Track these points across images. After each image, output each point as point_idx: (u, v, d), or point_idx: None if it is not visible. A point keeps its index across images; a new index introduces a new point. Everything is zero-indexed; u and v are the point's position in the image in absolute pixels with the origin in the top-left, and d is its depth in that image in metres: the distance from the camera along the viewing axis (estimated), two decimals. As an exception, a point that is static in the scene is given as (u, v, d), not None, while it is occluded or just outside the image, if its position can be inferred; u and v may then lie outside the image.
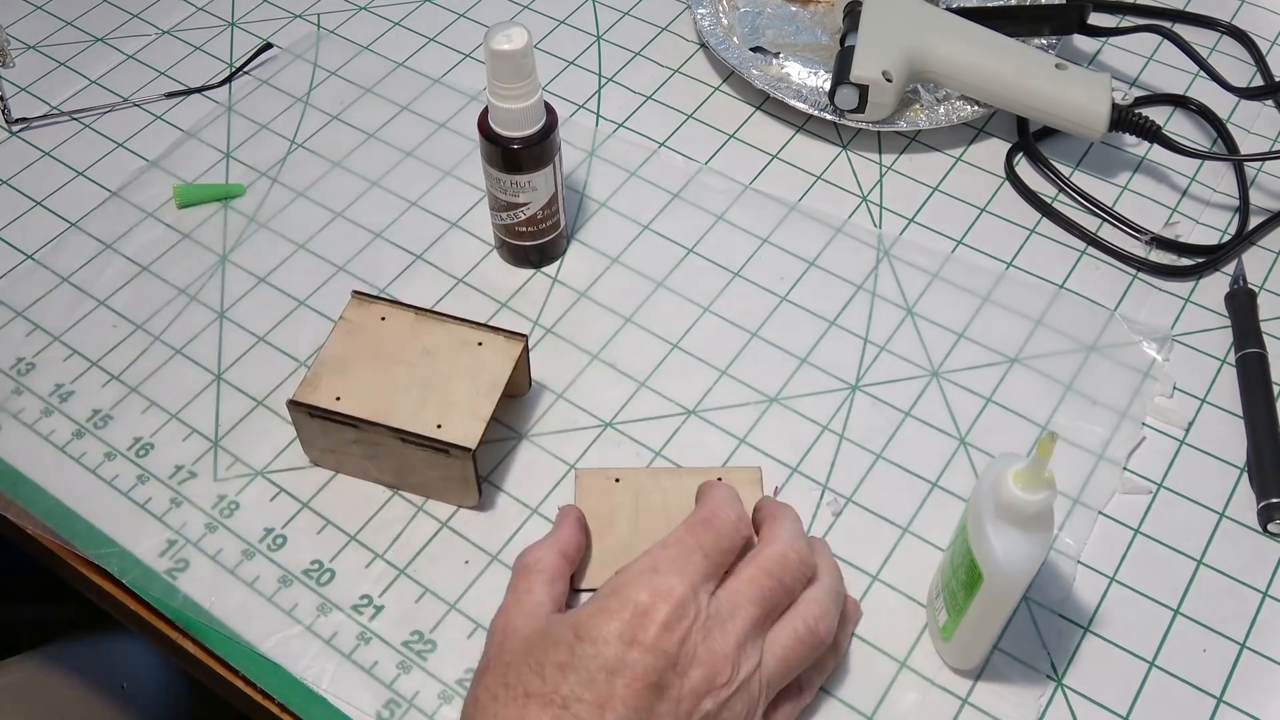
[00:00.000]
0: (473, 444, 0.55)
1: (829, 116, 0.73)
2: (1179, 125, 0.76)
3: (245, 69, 0.79)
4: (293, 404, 0.57)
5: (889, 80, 0.71)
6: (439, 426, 0.55)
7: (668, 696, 0.45)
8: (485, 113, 0.62)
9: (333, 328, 0.60)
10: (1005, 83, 0.71)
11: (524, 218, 0.65)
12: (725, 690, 0.46)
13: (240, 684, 0.54)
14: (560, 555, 0.53)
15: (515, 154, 0.62)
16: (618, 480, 0.58)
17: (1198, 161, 0.74)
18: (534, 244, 0.67)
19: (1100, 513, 0.59)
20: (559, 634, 0.46)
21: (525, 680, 0.45)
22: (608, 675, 0.45)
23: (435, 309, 0.61)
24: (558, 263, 0.69)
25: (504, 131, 0.61)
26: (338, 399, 0.57)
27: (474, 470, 0.56)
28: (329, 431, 0.57)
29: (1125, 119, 0.70)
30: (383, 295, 0.60)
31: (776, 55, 0.78)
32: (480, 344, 0.59)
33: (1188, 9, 0.82)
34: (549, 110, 0.62)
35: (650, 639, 0.45)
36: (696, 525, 0.49)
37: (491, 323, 0.62)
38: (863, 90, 0.71)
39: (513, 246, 0.67)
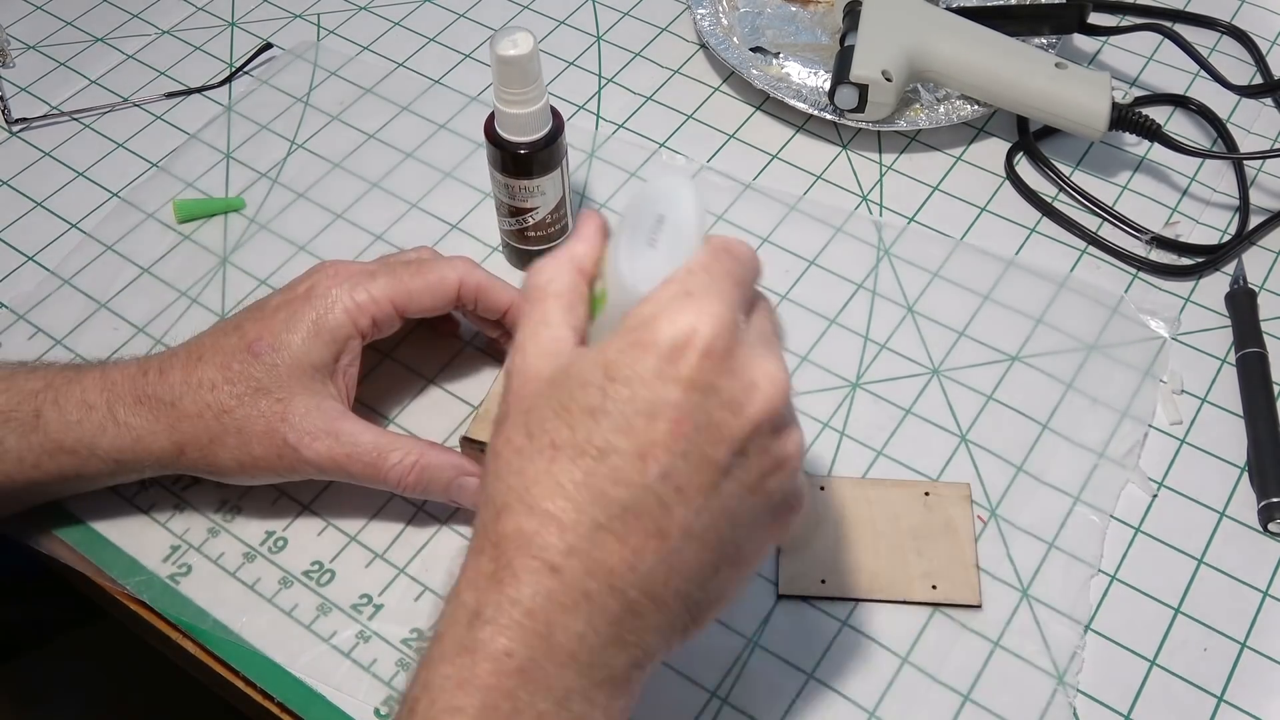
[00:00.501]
0: None
1: (829, 116, 0.73)
2: (1179, 125, 0.76)
3: (245, 69, 0.79)
4: (466, 441, 0.55)
5: (889, 80, 0.71)
6: None
7: (719, 438, 0.40)
8: (491, 118, 0.62)
9: (499, 375, 0.57)
10: (1005, 82, 0.71)
11: (532, 222, 0.65)
12: (782, 422, 0.41)
13: (240, 683, 0.54)
14: (577, 272, 0.44)
15: (523, 159, 0.62)
16: (823, 488, 0.57)
17: (1198, 161, 0.74)
18: (542, 248, 0.67)
19: (1114, 517, 0.59)
20: (586, 374, 0.40)
21: (551, 428, 0.40)
22: (647, 419, 0.39)
23: None
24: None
25: (511, 136, 0.61)
26: None
27: None
28: None
29: (1125, 118, 0.70)
30: None
31: (776, 55, 0.78)
32: None
33: (1188, 9, 0.82)
34: (555, 114, 0.62)
35: (693, 372, 0.39)
36: (719, 252, 0.42)
37: None
38: (862, 90, 0.71)
39: (520, 251, 0.67)
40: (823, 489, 0.58)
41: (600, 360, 0.40)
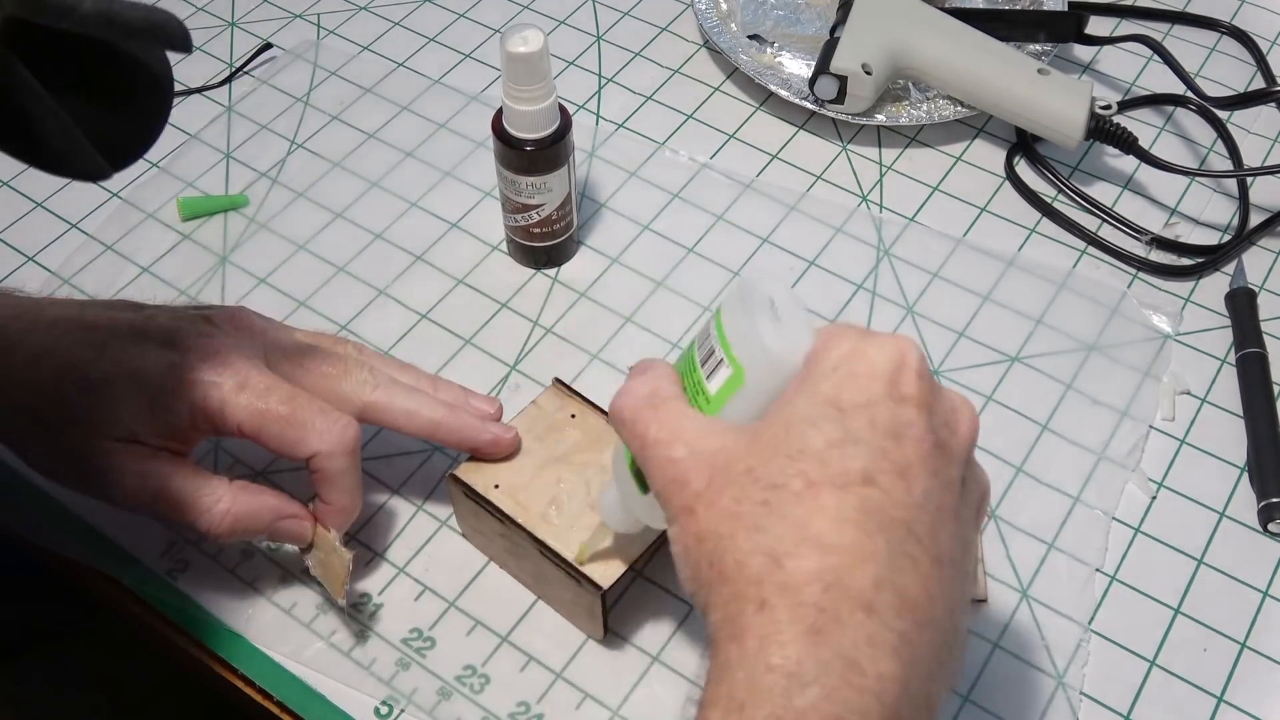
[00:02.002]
0: (606, 584, 0.50)
1: (810, 105, 0.74)
2: (1180, 125, 0.76)
3: (245, 69, 0.79)
4: (452, 479, 0.54)
5: (868, 73, 0.71)
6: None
7: (950, 456, 0.39)
8: (499, 115, 0.62)
9: (521, 410, 0.56)
10: (985, 84, 0.71)
11: (538, 219, 0.65)
12: (975, 449, 0.41)
13: (239, 683, 0.54)
14: (666, 379, 0.44)
15: (531, 156, 0.62)
16: (574, 415, 0.56)
17: (1196, 161, 0.74)
18: (547, 245, 0.67)
19: (1114, 517, 0.59)
20: (809, 415, 0.39)
21: (793, 472, 0.38)
22: (895, 441, 0.38)
23: None
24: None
25: (519, 133, 0.61)
26: (496, 487, 0.53)
27: (601, 609, 0.52)
28: (479, 515, 0.54)
29: (1103, 128, 0.70)
30: (579, 393, 0.56)
31: (772, 45, 0.78)
32: None
33: (1188, 9, 0.82)
34: (562, 111, 0.62)
35: (916, 392, 0.39)
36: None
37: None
38: (842, 81, 0.71)
39: (525, 248, 0.67)
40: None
41: (820, 398, 0.39)
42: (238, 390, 0.49)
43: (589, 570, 0.51)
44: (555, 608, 0.55)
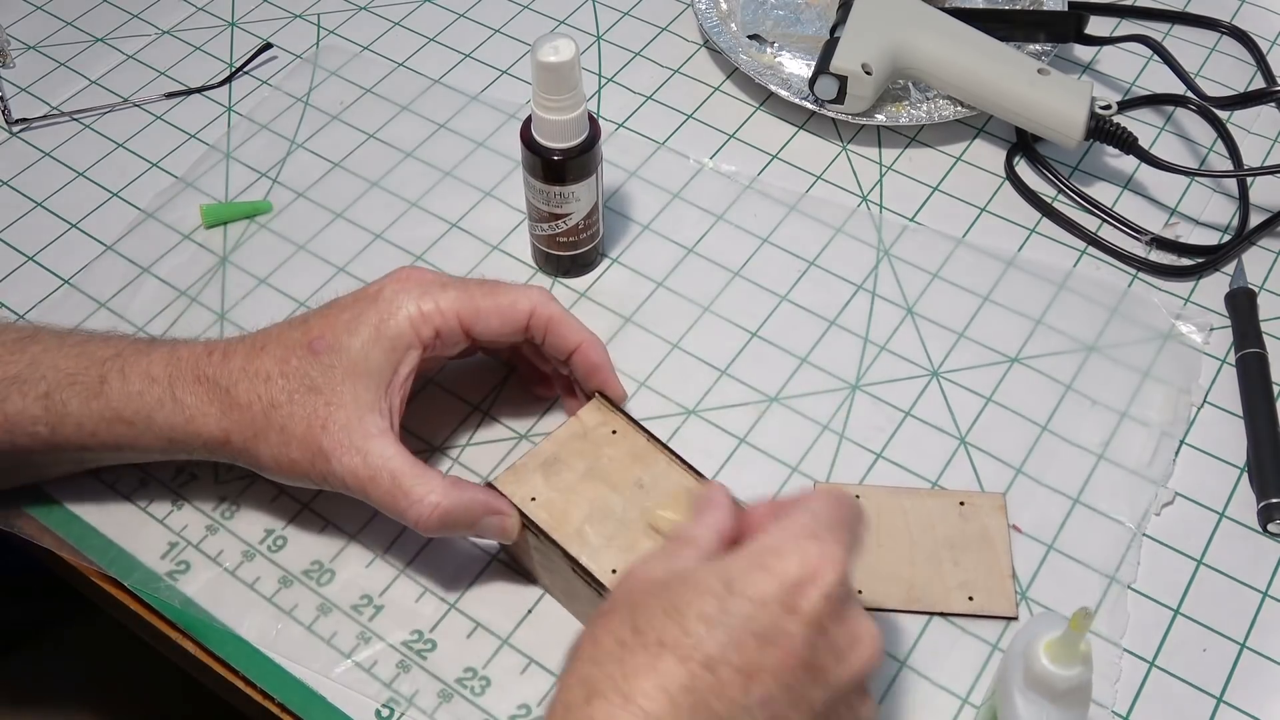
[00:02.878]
0: None
1: (810, 105, 0.74)
2: (1180, 125, 0.76)
3: (245, 69, 0.79)
4: (489, 487, 0.54)
5: (868, 73, 0.71)
6: (613, 571, 0.51)
7: (819, 679, 0.41)
8: (528, 123, 0.62)
9: (563, 422, 0.57)
10: (985, 84, 0.71)
11: (565, 228, 0.65)
12: (870, 697, 0.43)
13: (240, 684, 0.54)
14: (719, 536, 0.46)
15: (559, 165, 0.62)
16: (858, 497, 0.56)
17: (1196, 162, 0.74)
18: (573, 254, 0.67)
19: (1114, 518, 0.59)
20: (705, 583, 0.41)
21: (659, 626, 0.40)
22: (760, 642, 0.40)
23: (669, 442, 0.57)
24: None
25: (548, 142, 0.61)
26: (533, 499, 0.53)
27: None
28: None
29: (1102, 128, 0.70)
30: (621, 409, 0.56)
31: (772, 45, 0.78)
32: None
33: (1188, 9, 0.82)
34: (592, 120, 0.62)
35: (813, 610, 0.40)
36: (841, 502, 0.45)
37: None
38: (842, 81, 0.71)
39: (550, 256, 0.67)
40: (858, 497, 0.57)
41: (723, 576, 0.41)
42: (441, 287, 0.54)
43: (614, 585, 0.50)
44: (584, 623, 0.55)
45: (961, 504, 0.58)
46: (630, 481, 0.54)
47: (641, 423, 0.56)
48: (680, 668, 0.39)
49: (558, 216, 0.64)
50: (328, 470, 0.52)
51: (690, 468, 0.54)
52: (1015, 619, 0.55)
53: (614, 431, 0.56)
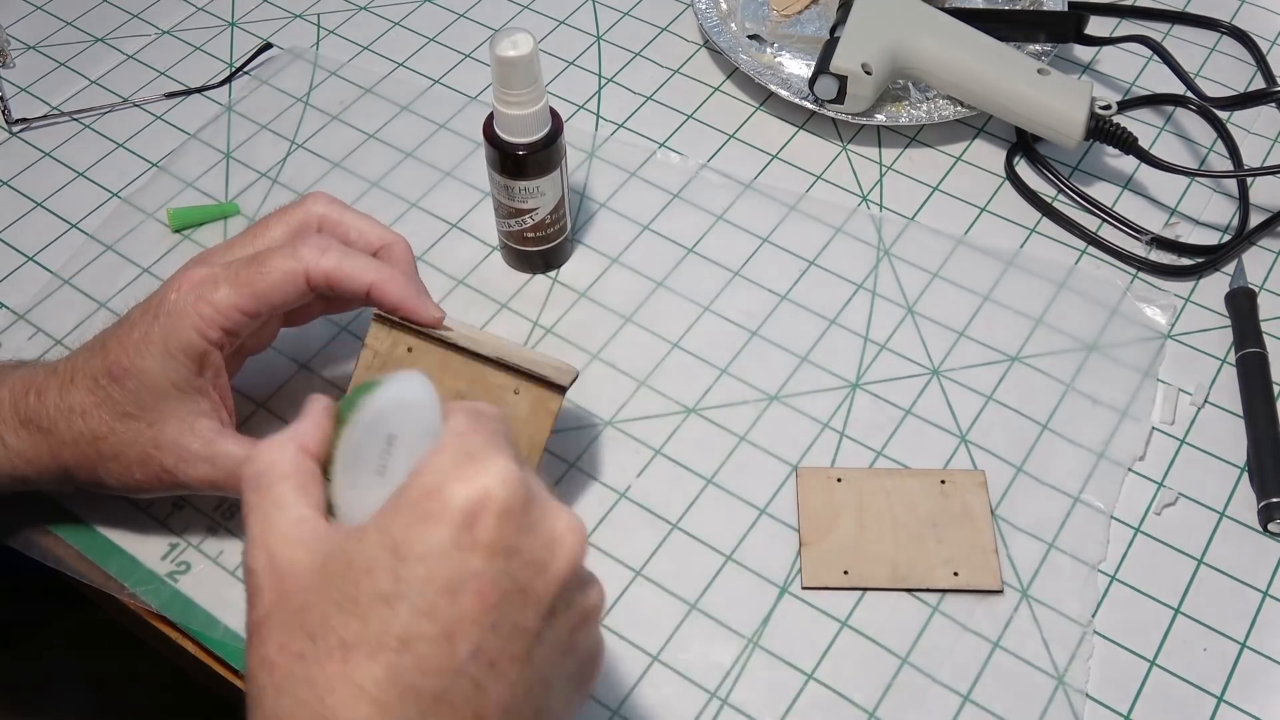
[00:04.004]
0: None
1: (810, 105, 0.74)
2: (1179, 125, 0.76)
3: (245, 69, 0.79)
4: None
5: (868, 73, 0.71)
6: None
7: (526, 601, 0.37)
8: (490, 119, 0.62)
9: (356, 358, 0.54)
10: (985, 84, 0.71)
11: (531, 224, 0.65)
12: (584, 573, 0.39)
13: (238, 682, 0.54)
14: (300, 451, 0.41)
15: (521, 160, 0.62)
16: (840, 480, 0.58)
17: (1196, 162, 0.74)
18: (541, 249, 0.67)
19: (1114, 517, 0.59)
20: (370, 556, 0.37)
21: (337, 625, 0.36)
22: (450, 596, 0.36)
23: (465, 338, 0.54)
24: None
25: (510, 138, 0.61)
26: None
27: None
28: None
29: (1102, 128, 0.70)
30: (402, 321, 0.53)
31: (772, 44, 0.79)
32: (516, 392, 0.53)
33: (1187, 10, 0.82)
34: (554, 115, 0.62)
35: (492, 538, 0.36)
36: (477, 415, 0.40)
37: (527, 362, 0.54)
38: (842, 81, 0.71)
39: (518, 252, 0.67)
40: (840, 480, 0.58)
41: (386, 541, 0.36)
42: (215, 284, 0.51)
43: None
44: None
45: (943, 482, 0.59)
46: (450, 395, 0.51)
47: (431, 334, 0.53)
48: (373, 663, 0.35)
49: (523, 212, 0.64)
50: (178, 483, 0.52)
51: (500, 364, 0.52)
52: (1000, 591, 0.56)
53: (409, 350, 0.53)
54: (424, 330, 0.53)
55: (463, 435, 0.38)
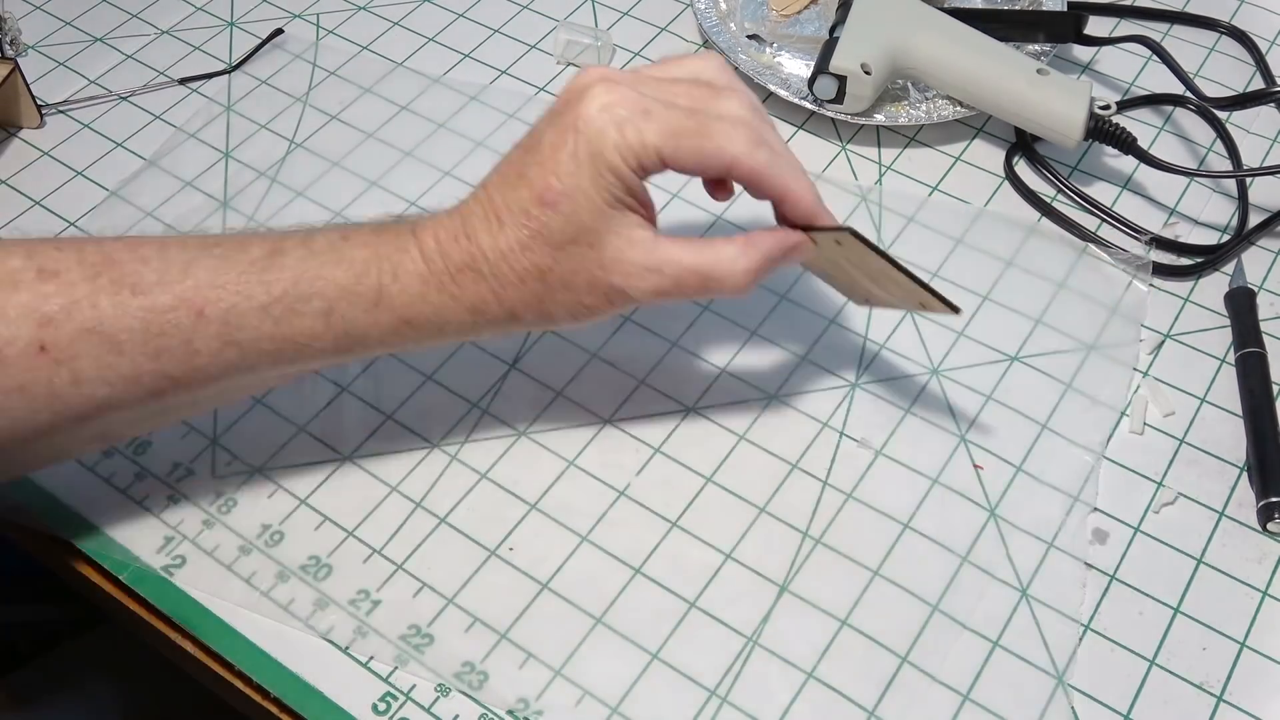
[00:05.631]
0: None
1: (809, 105, 0.74)
2: (1179, 125, 0.76)
3: (257, 53, 0.79)
4: (784, 230, 0.55)
5: (867, 73, 0.71)
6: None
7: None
8: None
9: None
10: (984, 84, 0.71)
11: None
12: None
13: (237, 681, 0.54)
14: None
15: None
16: (839, 243, 0.54)
17: (1195, 162, 0.74)
18: None
19: (1114, 517, 0.59)
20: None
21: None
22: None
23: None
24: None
25: None
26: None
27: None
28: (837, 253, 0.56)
29: (1101, 129, 0.70)
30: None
31: (771, 44, 0.79)
32: (923, 305, 0.57)
33: (1186, 9, 0.82)
34: None
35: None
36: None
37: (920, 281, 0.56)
38: (841, 81, 0.71)
39: None
40: (839, 243, 0.55)
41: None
42: (643, 119, 0.50)
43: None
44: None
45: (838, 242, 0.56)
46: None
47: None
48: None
49: None
50: (629, 300, 0.52)
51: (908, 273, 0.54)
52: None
53: (838, 243, 0.54)
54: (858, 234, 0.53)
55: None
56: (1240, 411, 0.62)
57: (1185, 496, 0.60)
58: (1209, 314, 0.67)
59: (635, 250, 0.51)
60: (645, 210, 0.52)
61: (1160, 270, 0.68)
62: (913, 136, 0.75)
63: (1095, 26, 0.78)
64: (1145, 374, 0.64)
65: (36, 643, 0.83)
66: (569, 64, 0.79)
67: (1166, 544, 0.58)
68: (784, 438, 0.61)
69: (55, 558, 0.58)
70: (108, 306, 0.49)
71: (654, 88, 0.51)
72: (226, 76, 0.79)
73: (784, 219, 0.54)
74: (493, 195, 0.52)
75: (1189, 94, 0.74)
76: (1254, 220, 0.70)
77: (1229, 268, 0.69)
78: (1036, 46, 0.77)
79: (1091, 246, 0.69)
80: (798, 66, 0.77)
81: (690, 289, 0.51)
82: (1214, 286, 0.68)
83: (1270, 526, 0.58)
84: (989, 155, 0.74)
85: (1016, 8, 0.80)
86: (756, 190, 0.53)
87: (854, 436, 0.61)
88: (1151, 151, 0.70)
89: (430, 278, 0.51)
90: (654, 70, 0.53)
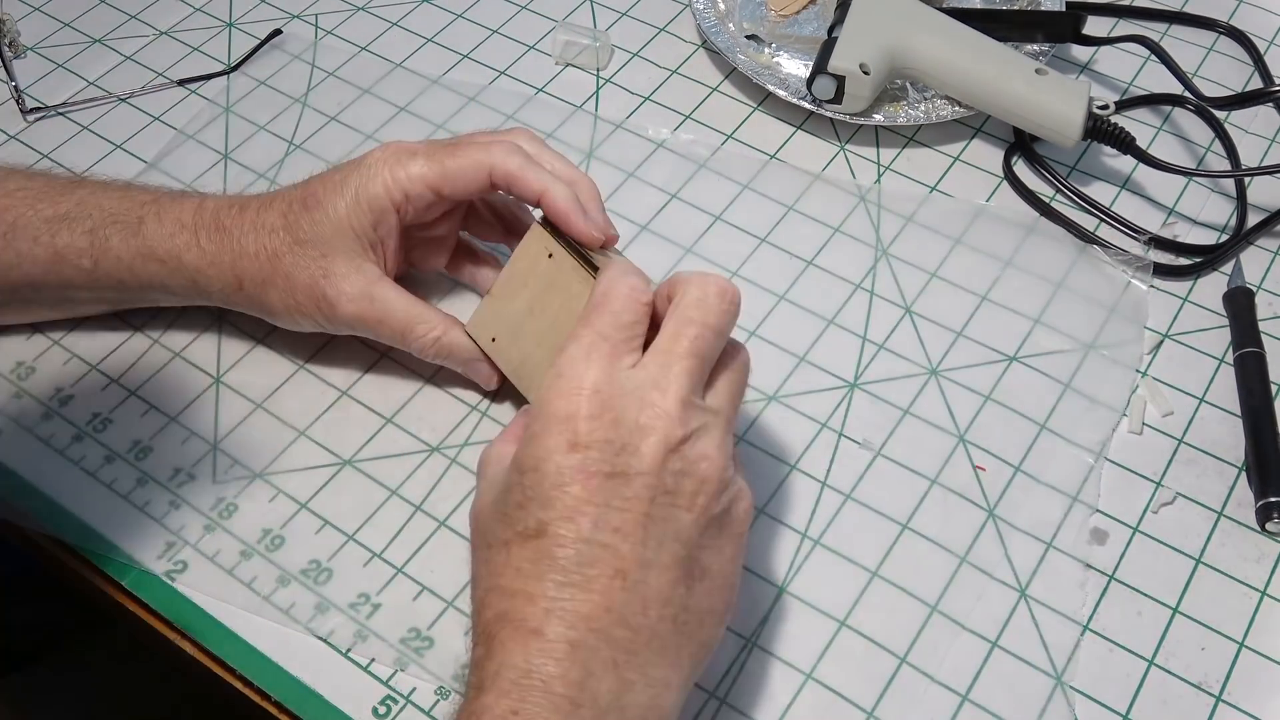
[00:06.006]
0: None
1: (808, 105, 0.74)
2: (1177, 125, 0.76)
3: (257, 53, 0.79)
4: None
5: (866, 73, 0.71)
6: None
7: (630, 478, 0.45)
8: None
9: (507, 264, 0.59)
10: (983, 84, 0.71)
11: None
12: (687, 446, 0.46)
13: (238, 684, 0.54)
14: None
15: None
16: (550, 255, 0.57)
17: (1194, 162, 0.74)
18: None
19: (1113, 517, 0.59)
20: (507, 481, 0.47)
21: (499, 530, 0.46)
22: (559, 489, 0.45)
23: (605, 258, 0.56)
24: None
25: None
26: (493, 339, 0.59)
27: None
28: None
29: (1100, 128, 0.70)
30: (564, 236, 0.57)
31: (770, 45, 0.79)
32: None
33: (1185, 9, 0.82)
34: None
35: (584, 436, 0.45)
36: (589, 314, 0.48)
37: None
38: (840, 81, 0.71)
39: None
40: (550, 256, 0.57)
41: (513, 464, 0.47)
42: (411, 155, 0.57)
43: None
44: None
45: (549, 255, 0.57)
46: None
47: (590, 251, 0.56)
48: (523, 548, 0.45)
49: None
50: (334, 314, 0.58)
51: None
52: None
53: (550, 255, 0.57)
54: (577, 246, 0.56)
55: (563, 352, 0.47)
56: (1239, 411, 0.62)
57: (1184, 496, 0.60)
58: (1207, 314, 0.67)
59: (357, 276, 0.58)
60: (381, 256, 0.59)
61: (1159, 270, 0.68)
62: (911, 136, 0.75)
63: (1094, 26, 0.78)
64: (1144, 374, 0.64)
65: (36, 643, 0.83)
66: (568, 65, 0.79)
67: (1165, 544, 0.58)
68: (783, 438, 0.61)
69: (56, 561, 0.59)
70: None
71: (435, 144, 0.59)
72: (225, 77, 0.79)
73: (549, 215, 0.57)
74: (280, 189, 0.60)
75: (1187, 94, 0.74)
76: (1252, 220, 0.70)
77: (1227, 267, 0.69)
78: (1035, 46, 0.77)
79: (1090, 246, 0.69)
80: (796, 67, 0.77)
81: (388, 329, 0.58)
82: (1212, 286, 0.68)
83: (1269, 526, 0.58)
84: (988, 155, 0.74)
85: (1015, 8, 0.81)
86: (518, 193, 0.57)
87: (853, 437, 0.61)
88: (1150, 151, 0.71)
89: (187, 225, 0.59)
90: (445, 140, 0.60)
